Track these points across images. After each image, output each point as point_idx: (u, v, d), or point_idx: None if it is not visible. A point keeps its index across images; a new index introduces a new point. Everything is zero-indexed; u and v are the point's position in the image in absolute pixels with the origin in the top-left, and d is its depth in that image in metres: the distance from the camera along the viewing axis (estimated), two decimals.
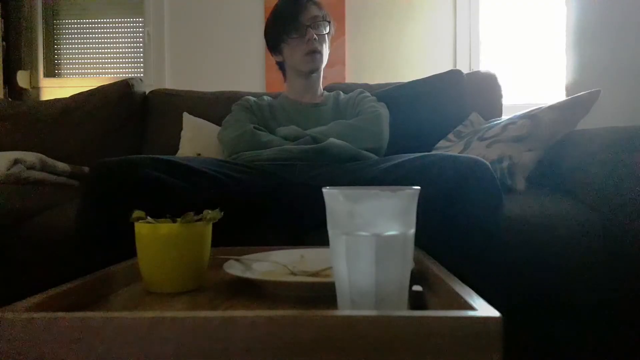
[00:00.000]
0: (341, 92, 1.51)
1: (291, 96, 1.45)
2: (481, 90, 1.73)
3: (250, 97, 1.46)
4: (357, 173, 1.04)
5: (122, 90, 1.92)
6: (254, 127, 1.30)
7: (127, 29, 2.64)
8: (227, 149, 1.33)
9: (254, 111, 1.40)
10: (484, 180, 0.85)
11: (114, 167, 0.89)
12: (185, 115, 1.81)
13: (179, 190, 0.91)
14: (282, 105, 1.43)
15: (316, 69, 1.39)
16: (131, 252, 0.66)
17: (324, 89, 1.51)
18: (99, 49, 2.65)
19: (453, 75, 1.69)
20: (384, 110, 1.38)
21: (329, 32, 1.38)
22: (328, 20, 1.37)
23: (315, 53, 1.34)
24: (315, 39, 1.32)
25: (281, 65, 1.46)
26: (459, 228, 0.84)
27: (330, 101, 1.45)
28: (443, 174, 0.85)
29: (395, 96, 1.57)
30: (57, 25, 2.66)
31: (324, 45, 1.37)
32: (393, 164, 0.96)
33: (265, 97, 1.49)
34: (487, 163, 0.88)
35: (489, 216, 0.85)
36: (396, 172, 0.93)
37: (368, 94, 1.47)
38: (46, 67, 2.63)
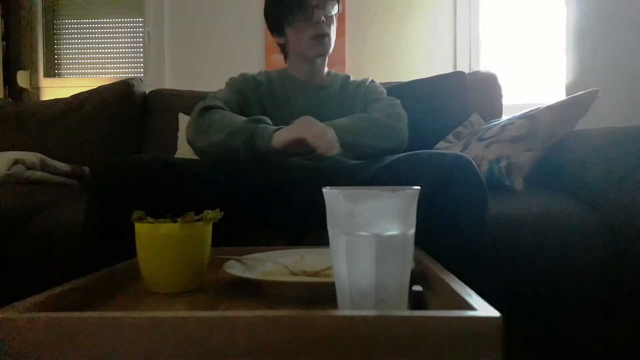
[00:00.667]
0: (350, 77, 1.40)
1: (293, 73, 1.33)
2: (481, 91, 1.73)
3: (248, 74, 1.33)
4: (353, 174, 1.04)
5: (122, 90, 1.92)
6: (205, 107, 1.16)
7: (127, 29, 2.64)
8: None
9: (248, 89, 1.28)
10: (467, 175, 0.85)
11: (120, 167, 0.89)
12: (181, 115, 1.81)
13: (181, 191, 0.91)
14: (283, 84, 1.31)
15: (324, 54, 1.28)
16: (132, 252, 0.66)
17: (331, 71, 1.39)
18: (99, 49, 2.65)
19: (456, 76, 1.69)
20: (402, 109, 1.29)
21: (337, 12, 1.27)
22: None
23: (324, 36, 1.23)
24: (323, 21, 1.20)
25: (283, 47, 1.34)
26: (445, 224, 0.84)
27: (337, 84, 1.33)
28: (427, 173, 0.86)
29: (397, 95, 1.57)
30: (57, 25, 2.66)
31: (332, 27, 1.25)
32: (384, 165, 0.97)
33: (265, 72, 1.36)
34: (470, 158, 0.88)
35: (474, 211, 0.85)
36: (388, 173, 0.94)
37: (379, 84, 1.37)
38: (46, 67, 2.63)
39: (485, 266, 0.85)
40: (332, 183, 0.51)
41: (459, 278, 0.54)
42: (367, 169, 1.02)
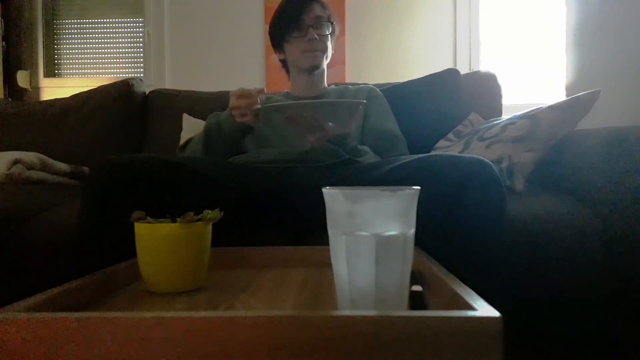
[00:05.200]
0: (349, 87, 1.47)
1: (293, 92, 1.44)
2: (481, 90, 1.73)
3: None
4: (360, 175, 1.03)
5: (122, 90, 1.92)
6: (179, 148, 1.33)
7: (127, 29, 2.64)
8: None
9: None
10: (488, 180, 0.85)
11: (116, 166, 0.88)
12: (185, 116, 1.81)
13: (180, 191, 0.91)
14: (279, 101, 1.39)
15: (316, 66, 1.37)
16: (131, 252, 0.66)
17: (329, 85, 1.49)
18: (99, 49, 2.65)
19: (450, 74, 1.69)
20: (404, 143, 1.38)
21: (332, 32, 1.37)
22: (332, 21, 1.37)
23: (315, 51, 1.33)
24: (315, 38, 1.32)
25: (284, 63, 1.45)
26: (462, 228, 0.84)
27: (332, 95, 1.42)
28: (446, 175, 0.85)
29: (393, 96, 1.57)
30: (57, 25, 2.66)
31: (327, 44, 1.36)
32: (396, 166, 0.95)
33: (265, 97, 1.44)
34: (491, 163, 0.87)
35: (492, 216, 0.84)
36: (400, 174, 0.93)
37: (380, 94, 1.45)
38: (46, 67, 2.63)
39: (494, 269, 0.85)
40: (342, 183, 0.51)
41: (468, 280, 0.54)
42: (380, 167, 1.01)
